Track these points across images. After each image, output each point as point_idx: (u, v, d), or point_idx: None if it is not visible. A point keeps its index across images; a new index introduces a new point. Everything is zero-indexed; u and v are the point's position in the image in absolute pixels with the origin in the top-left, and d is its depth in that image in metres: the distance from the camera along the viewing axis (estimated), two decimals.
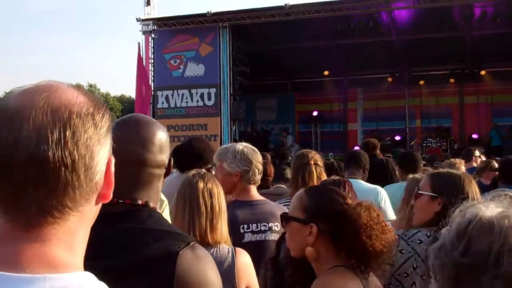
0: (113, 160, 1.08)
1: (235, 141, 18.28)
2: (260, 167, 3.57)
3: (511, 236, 1.07)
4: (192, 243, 1.62)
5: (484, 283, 1.06)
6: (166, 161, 1.82)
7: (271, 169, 5.84)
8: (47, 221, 0.97)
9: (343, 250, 2.19)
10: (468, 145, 17.87)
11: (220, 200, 2.78)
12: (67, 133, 0.96)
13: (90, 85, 66.20)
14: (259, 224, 3.39)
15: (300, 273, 2.38)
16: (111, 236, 1.55)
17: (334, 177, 3.71)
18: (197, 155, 4.21)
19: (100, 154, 1.03)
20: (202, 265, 1.62)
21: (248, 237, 3.34)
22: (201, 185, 2.74)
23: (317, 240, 2.23)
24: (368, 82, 22.86)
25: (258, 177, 3.57)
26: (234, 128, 18.73)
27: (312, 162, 4.17)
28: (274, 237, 3.37)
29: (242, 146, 3.59)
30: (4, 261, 0.93)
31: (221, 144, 17.15)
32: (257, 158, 3.57)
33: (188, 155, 4.25)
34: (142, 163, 1.73)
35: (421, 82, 22.19)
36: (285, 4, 16.89)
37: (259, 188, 5.48)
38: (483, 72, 21.07)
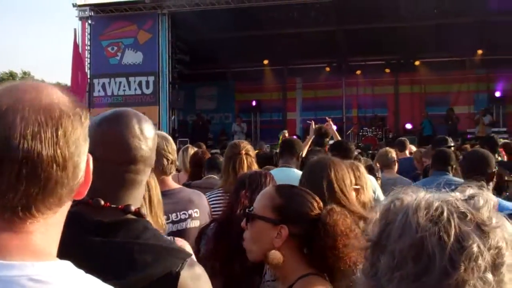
0: (91, 158, 1.11)
1: (174, 130, 18.19)
2: (171, 156, 3.48)
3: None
4: (188, 260, 1.60)
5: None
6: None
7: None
8: (33, 215, 1.00)
9: (313, 259, 2.06)
10: (403, 134, 18.41)
11: (157, 191, 2.77)
12: (59, 132, 0.99)
13: (24, 73, 63.89)
14: (178, 213, 3.35)
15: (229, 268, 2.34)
16: (108, 251, 1.50)
17: (256, 169, 3.72)
18: None
19: (84, 152, 1.07)
20: (201, 284, 1.61)
21: (169, 228, 3.27)
22: None
23: (284, 243, 2.06)
24: (307, 71, 23.16)
25: (170, 166, 3.47)
26: (173, 117, 18.59)
27: (243, 152, 4.16)
28: (195, 223, 3.37)
29: None
30: None
31: None
32: (168, 147, 3.47)
33: None
34: (142, 160, 1.65)
35: (358, 72, 22.61)
36: None
37: (194, 179, 5.52)
38: (417, 63, 21.70)
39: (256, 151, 10.00)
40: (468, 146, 10.30)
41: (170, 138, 3.62)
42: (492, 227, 1.00)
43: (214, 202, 3.93)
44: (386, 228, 1.06)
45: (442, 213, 1.00)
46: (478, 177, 3.69)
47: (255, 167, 4.18)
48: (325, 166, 2.96)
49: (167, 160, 3.45)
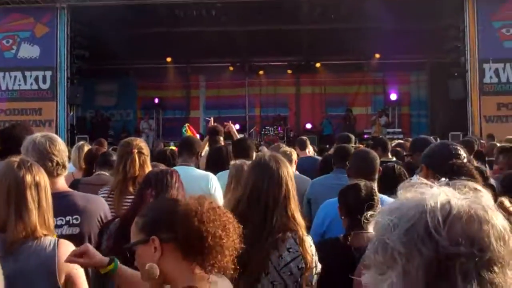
0: None
1: (72, 127, 17.61)
2: (56, 158, 3.33)
3: (487, 223, 1.11)
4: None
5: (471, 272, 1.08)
6: None
7: None
8: None
9: (192, 253, 2.01)
10: (303, 133, 18.85)
11: (47, 192, 2.66)
12: None
13: None
14: (55, 219, 3.06)
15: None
16: None
17: (161, 166, 3.64)
18: (19, 141, 3.93)
19: None
20: None
21: None
22: (28, 178, 2.59)
23: (164, 253, 2.03)
24: (210, 70, 23.18)
25: (56, 167, 3.32)
26: (71, 113, 18.00)
27: (136, 150, 4.02)
28: (72, 231, 3.22)
29: (39, 136, 3.37)
30: None
31: (56, 130, 16.43)
32: (55, 149, 3.33)
33: (10, 141, 4.00)
34: None
35: (261, 72, 22.92)
36: None
37: (87, 176, 5.37)
38: (318, 65, 22.27)
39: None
40: (363, 145, 10.67)
41: (58, 139, 3.46)
42: None
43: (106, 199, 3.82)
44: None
45: None
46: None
47: (148, 165, 4.09)
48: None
49: (51, 161, 3.30)
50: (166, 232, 2.04)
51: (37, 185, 2.60)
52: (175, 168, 4.98)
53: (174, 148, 7.48)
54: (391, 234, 1.13)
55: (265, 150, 3.62)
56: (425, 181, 1.23)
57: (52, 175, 3.24)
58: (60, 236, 3.02)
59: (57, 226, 3.10)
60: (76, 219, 3.27)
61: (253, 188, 3.02)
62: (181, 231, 2.01)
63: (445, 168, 3.15)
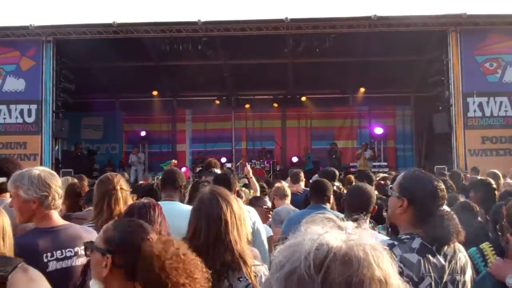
0: None
1: (57, 161, 17.47)
2: (60, 191, 3.42)
3: (368, 268, 1.08)
4: (20, 265, 1.54)
5: None
6: None
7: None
8: None
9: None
10: (289, 167, 18.85)
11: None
12: None
13: None
14: (63, 251, 3.24)
15: None
16: None
17: (144, 199, 3.59)
18: (6, 175, 3.94)
19: None
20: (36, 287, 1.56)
21: (52, 266, 3.17)
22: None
23: (111, 273, 2.11)
24: (196, 104, 23.24)
25: (59, 201, 3.40)
26: (56, 147, 17.87)
27: (118, 188, 3.99)
28: (81, 261, 3.26)
29: (38, 170, 3.39)
30: None
31: (41, 164, 16.26)
32: (56, 182, 3.39)
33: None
34: None
35: (247, 106, 23.02)
36: (113, 22, 16.60)
37: (73, 210, 5.32)
38: (303, 98, 22.40)
39: (141, 182, 9.86)
40: (352, 176, 10.70)
41: (56, 174, 3.52)
42: None
43: None
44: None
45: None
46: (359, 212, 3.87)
47: (130, 201, 4.03)
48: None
49: (57, 194, 3.37)
50: (122, 260, 2.13)
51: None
52: (160, 202, 4.93)
53: None
54: (276, 275, 1.13)
55: (205, 188, 3.57)
56: (331, 216, 1.22)
57: (55, 208, 3.39)
58: (71, 268, 3.23)
59: (66, 258, 3.24)
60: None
61: (195, 228, 3.03)
62: (141, 272, 2.04)
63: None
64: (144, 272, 2.02)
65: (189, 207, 5.19)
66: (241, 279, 2.89)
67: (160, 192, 6.27)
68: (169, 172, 5.31)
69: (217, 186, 3.50)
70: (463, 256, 2.85)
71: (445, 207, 3.00)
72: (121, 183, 4.07)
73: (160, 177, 6.46)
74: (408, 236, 2.80)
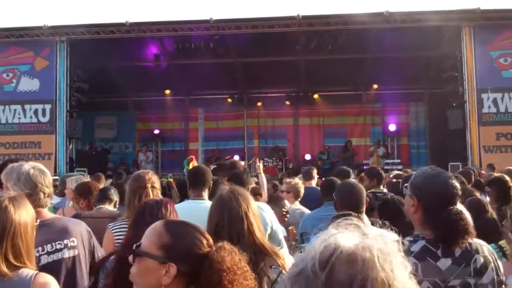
0: None
1: (71, 160, 17.57)
2: (48, 190, 3.41)
3: (372, 269, 1.09)
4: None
5: None
6: None
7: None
8: None
9: None
10: (302, 165, 18.78)
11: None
12: None
13: None
14: (54, 244, 3.26)
15: None
16: None
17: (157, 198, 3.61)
18: None
19: None
20: None
21: (44, 260, 3.18)
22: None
23: (172, 282, 2.00)
24: (208, 102, 23.23)
25: (46, 200, 3.41)
26: (70, 146, 17.99)
27: (149, 185, 4.02)
28: (71, 253, 3.30)
29: (29, 167, 3.40)
30: None
31: (55, 163, 16.39)
32: (44, 180, 3.39)
33: None
34: None
35: (259, 104, 22.98)
36: (126, 21, 16.67)
37: (85, 209, 5.37)
38: (316, 96, 22.33)
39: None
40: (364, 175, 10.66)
41: (47, 171, 3.53)
42: None
43: (118, 232, 3.82)
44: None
45: None
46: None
47: None
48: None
49: (44, 193, 3.38)
50: (187, 268, 2.01)
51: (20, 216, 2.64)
52: (189, 201, 4.91)
53: (171, 180, 7.45)
54: (289, 274, 1.17)
55: (225, 185, 3.48)
56: (355, 221, 1.23)
57: (41, 206, 3.37)
58: (61, 260, 3.25)
59: (56, 250, 3.25)
60: (73, 241, 3.36)
61: (216, 224, 3.05)
62: (204, 280, 1.97)
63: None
64: (213, 284, 1.96)
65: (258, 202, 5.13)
66: (273, 267, 2.92)
67: (169, 190, 6.31)
68: (197, 170, 5.21)
69: (236, 186, 3.51)
70: (481, 257, 2.72)
71: (459, 205, 2.92)
72: (153, 181, 4.10)
73: (187, 175, 6.43)
74: (411, 239, 2.76)
